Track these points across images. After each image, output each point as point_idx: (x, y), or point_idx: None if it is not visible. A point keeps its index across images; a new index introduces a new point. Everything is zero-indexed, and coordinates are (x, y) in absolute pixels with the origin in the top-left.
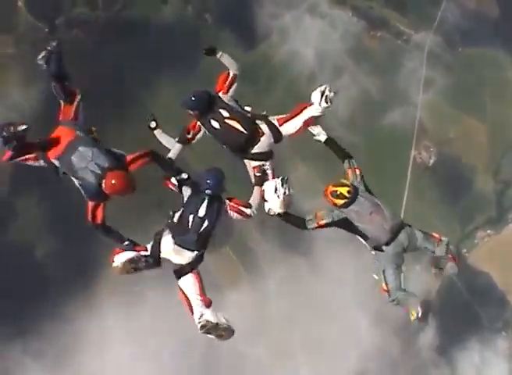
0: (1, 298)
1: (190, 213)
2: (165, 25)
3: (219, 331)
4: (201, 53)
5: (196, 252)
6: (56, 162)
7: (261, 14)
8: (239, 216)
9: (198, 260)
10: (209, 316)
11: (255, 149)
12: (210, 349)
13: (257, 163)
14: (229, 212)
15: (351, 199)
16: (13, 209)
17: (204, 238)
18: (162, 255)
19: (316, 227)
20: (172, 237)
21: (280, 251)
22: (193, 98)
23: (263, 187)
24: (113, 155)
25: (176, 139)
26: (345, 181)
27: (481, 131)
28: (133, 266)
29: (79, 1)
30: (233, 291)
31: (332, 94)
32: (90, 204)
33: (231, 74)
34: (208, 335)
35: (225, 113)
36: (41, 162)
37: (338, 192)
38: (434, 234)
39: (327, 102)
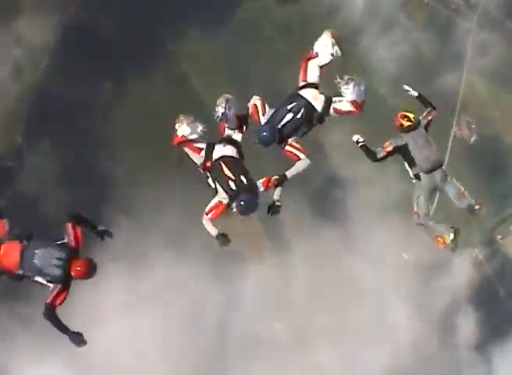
0: None
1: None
2: None
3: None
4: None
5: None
6: (20, 272)
7: None
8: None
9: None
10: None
11: None
12: (221, 328)
13: None
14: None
15: (415, 124)
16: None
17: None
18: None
19: (384, 156)
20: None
21: (311, 220)
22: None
23: None
24: (62, 245)
25: None
26: (411, 111)
27: None
28: None
29: None
30: (254, 262)
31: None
32: (57, 287)
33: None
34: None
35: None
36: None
37: (407, 116)
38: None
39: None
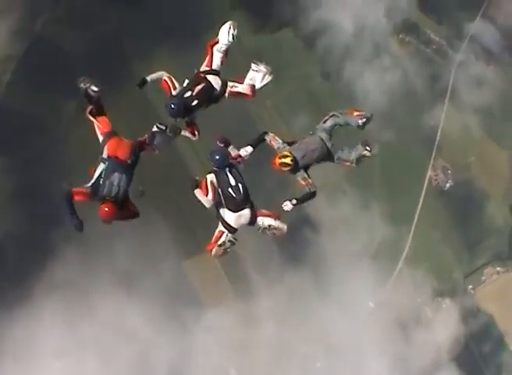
0: None
1: (227, 187)
2: None
3: (272, 230)
4: (205, 27)
5: (248, 207)
6: (104, 153)
7: None
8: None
9: (253, 206)
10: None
11: None
12: None
13: None
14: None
15: (294, 165)
16: None
17: (247, 194)
18: (234, 224)
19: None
20: (230, 210)
21: (278, 263)
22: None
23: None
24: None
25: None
26: (286, 152)
27: (503, 158)
28: (223, 248)
29: None
30: (215, 310)
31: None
32: (88, 190)
33: None
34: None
35: None
36: (101, 139)
37: (283, 162)
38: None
39: (233, 38)
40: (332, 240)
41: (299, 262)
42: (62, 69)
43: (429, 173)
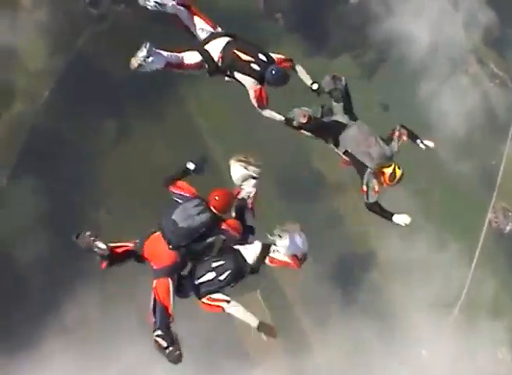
0: None
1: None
2: (226, 17)
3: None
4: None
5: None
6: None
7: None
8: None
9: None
10: None
11: None
12: None
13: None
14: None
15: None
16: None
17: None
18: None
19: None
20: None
21: (336, 311)
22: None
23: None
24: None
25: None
26: (387, 162)
27: None
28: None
29: None
30: (262, 365)
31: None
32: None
33: None
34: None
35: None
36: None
37: (402, 175)
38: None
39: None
40: (389, 283)
41: (362, 309)
42: (103, 89)
43: (489, 214)
